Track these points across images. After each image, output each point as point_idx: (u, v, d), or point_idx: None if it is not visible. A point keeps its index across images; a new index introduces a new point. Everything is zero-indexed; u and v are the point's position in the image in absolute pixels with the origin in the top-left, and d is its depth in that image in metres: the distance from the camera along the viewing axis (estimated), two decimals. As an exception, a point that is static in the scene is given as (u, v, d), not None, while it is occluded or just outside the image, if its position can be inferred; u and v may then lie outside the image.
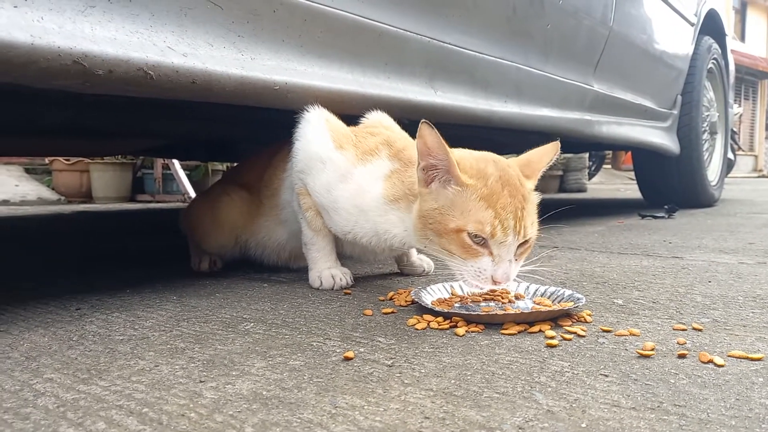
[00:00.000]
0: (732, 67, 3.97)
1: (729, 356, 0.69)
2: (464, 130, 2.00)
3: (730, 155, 4.23)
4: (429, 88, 1.55)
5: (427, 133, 0.86)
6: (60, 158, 4.26)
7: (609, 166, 9.77)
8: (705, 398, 0.57)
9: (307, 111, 1.13)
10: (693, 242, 1.78)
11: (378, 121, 1.19)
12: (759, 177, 12.71)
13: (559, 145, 0.97)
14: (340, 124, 1.14)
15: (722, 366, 0.66)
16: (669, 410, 0.54)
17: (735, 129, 8.39)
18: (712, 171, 3.63)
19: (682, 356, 0.69)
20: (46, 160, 4.47)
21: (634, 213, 2.83)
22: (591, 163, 7.18)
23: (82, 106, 1.52)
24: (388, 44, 1.39)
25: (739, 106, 9.90)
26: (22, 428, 0.52)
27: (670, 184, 3.26)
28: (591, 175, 7.37)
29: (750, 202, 3.81)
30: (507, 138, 2.67)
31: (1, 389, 0.61)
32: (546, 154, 0.96)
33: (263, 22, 1.11)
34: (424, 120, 0.86)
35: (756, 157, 14.83)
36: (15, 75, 0.82)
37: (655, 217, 2.64)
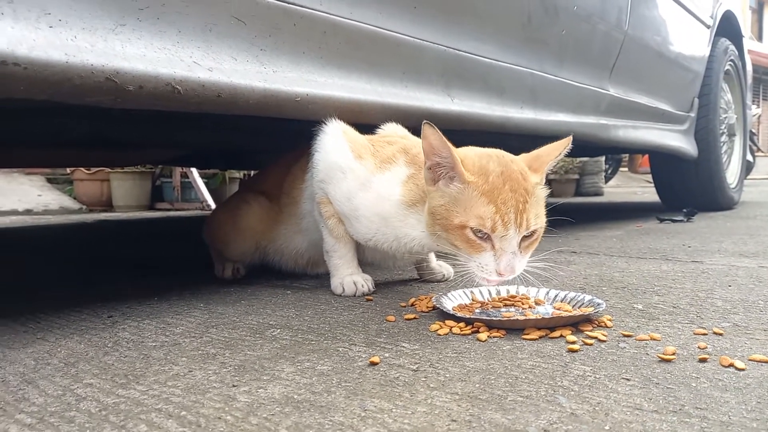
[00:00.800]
0: (750, 69, 3.93)
1: (750, 360, 0.70)
2: (481, 137, 2.02)
3: (749, 157, 4.19)
4: (446, 96, 1.57)
5: (430, 133, 0.90)
6: (81, 168, 4.34)
7: (626, 169, 9.70)
8: (726, 401, 0.58)
9: (326, 124, 1.16)
10: (712, 246, 1.77)
11: (394, 131, 1.22)
12: (779, 178, 12.50)
13: (571, 140, 0.99)
14: (357, 135, 1.17)
15: (743, 370, 0.67)
16: (691, 413, 0.55)
17: (754, 130, 8.29)
18: (731, 173, 3.60)
19: (703, 360, 0.70)
20: (68, 170, 4.56)
21: (653, 217, 2.82)
22: (607, 166, 7.14)
23: (110, 119, 1.57)
24: (405, 54, 1.41)
25: (758, 106, 9.78)
26: (69, 430, 0.54)
27: (689, 187, 3.25)
28: (607, 179, 7.33)
29: (770, 205, 3.77)
30: (523, 144, 2.69)
31: (45, 394, 0.64)
32: (556, 148, 0.98)
33: (284, 36, 1.14)
34: (426, 121, 0.90)
35: (776, 158, 14.59)
36: (50, 92, 0.86)
37: (674, 221, 2.63)
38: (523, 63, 1.82)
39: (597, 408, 0.57)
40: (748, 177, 8.34)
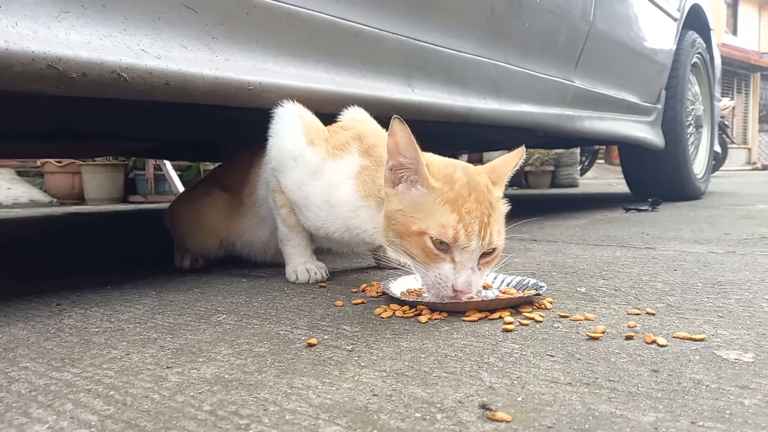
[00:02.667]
0: (718, 62, 4.00)
1: (674, 337, 0.73)
2: (450, 128, 2.04)
3: (718, 148, 4.27)
4: (406, 86, 1.58)
5: (399, 129, 0.84)
6: (52, 160, 4.29)
7: (603, 161, 9.82)
8: (639, 374, 0.60)
9: (281, 106, 1.16)
10: (670, 234, 1.82)
11: (352, 117, 1.21)
12: (752, 170, 12.78)
13: (524, 151, 0.96)
14: (313, 119, 1.16)
15: (665, 346, 0.69)
16: (602, 385, 0.57)
17: (727, 122, 8.43)
18: (698, 164, 3.67)
19: (629, 338, 0.73)
20: (38, 163, 4.49)
21: (620, 207, 2.87)
22: (584, 158, 7.22)
23: (69, 110, 1.55)
24: (365, 44, 1.42)
25: (731, 99, 9.95)
26: (-6, 411, 0.55)
27: (656, 178, 3.31)
28: (584, 171, 7.42)
29: (737, 195, 3.85)
30: (493, 135, 2.72)
31: (-23, 377, 0.65)
32: (511, 161, 0.94)
33: (237, 24, 1.14)
34: (396, 116, 0.85)
35: (749, 150, 14.90)
36: (-8, 79, 0.86)
37: (639, 210, 2.68)
38: (487, 54, 1.84)
39: (515, 381, 0.59)
40: (721, 168, 8.51)
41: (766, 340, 0.71)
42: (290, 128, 1.13)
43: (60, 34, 0.89)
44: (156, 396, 0.58)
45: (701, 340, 0.71)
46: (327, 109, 1.32)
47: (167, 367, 0.66)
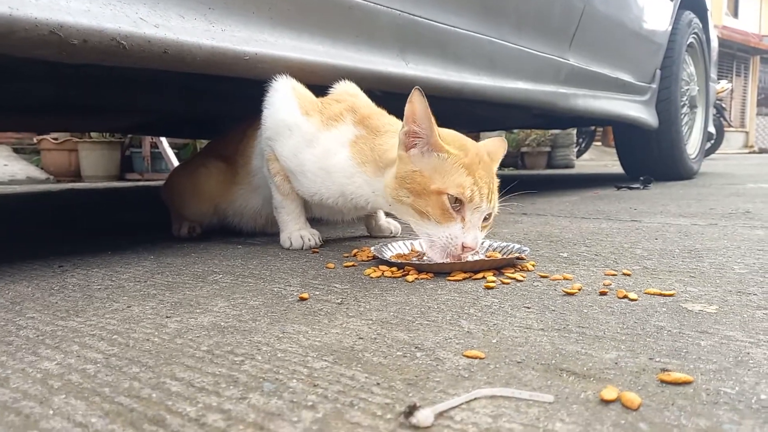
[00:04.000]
0: (715, 43, 4.01)
1: (645, 293, 0.77)
2: (444, 104, 2.06)
3: (712, 129, 4.30)
4: (400, 60, 1.60)
5: (417, 100, 0.91)
6: (48, 137, 4.30)
7: (600, 143, 9.84)
8: (607, 322, 0.64)
9: (275, 80, 1.19)
10: (657, 208, 1.86)
11: (344, 90, 1.25)
12: (749, 153, 12.81)
13: (505, 141, 1.06)
14: (306, 92, 1.20)
15: (635, 300, 0.74)
16: (572, 330, 0.62)
17: (725, 105, 8.43)
18: (692, 144, 3.70)
19: (603, 293, 0.77)
20: (35, 140, 4.50)
21: (613, 185, 2.91)
22: (581, 140, 7.25)
23: (65, 81, 1.58)
24: (359, 17, 1.44)
25: (729, 81, 9.93)
26: (5, 350, 0.59)
27: (650, 157, 3.34)
28: (581, 152, 7.45)
29: (730, 175, 3.89)
30: (489, 112, 2.74)
31: (-13, 324, 0.69)
32: (499, 149, 1.04)
33: (234, -5, 1.16)
34: (416, 87, 0.91)
35: (747, 133, 14.91)
36: (-5, 44, 0.88)
37: (631, 188, 2.72)
38: (481, 30, 1.86)
39: (491, 328, 0.63)
40: (718, 151, 8.54)
41: (731, 295, 0.75)
42: (285, 100, 1.17)
43: (61, 1, 0.92)
44: (156, 339, 0.62)
45: (670, 295, 0.76)
46: (322, 82, 1.34)
47: (167, 317, 0.70)
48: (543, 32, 2.18)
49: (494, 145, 1.04)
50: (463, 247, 0.90)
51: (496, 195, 0.96)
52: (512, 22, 1.99)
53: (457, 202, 0.90)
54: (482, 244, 1.09)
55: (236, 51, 1.16)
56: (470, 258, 1.02)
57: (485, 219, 0.94)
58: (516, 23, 2.01)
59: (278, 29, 1.26)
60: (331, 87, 1.31)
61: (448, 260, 0.92)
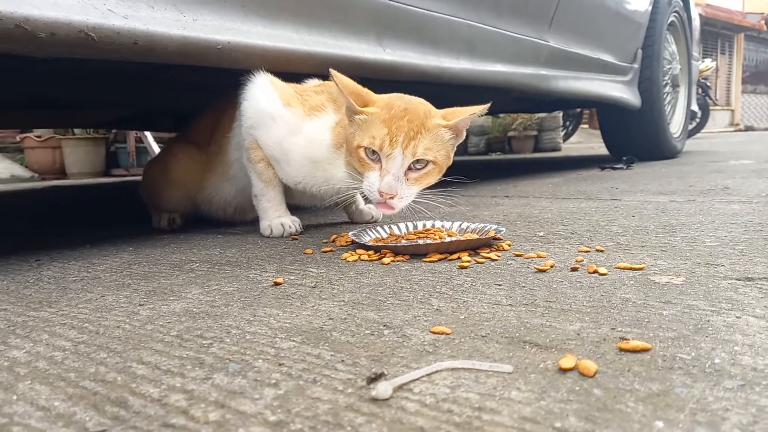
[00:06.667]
0: (696, 21, 4.02)
1: (615, 268, 0.78)
2: (423, 89, 2.06)
3: (695, 107, 4.32)
4: (377, 46, 1.60)
5: (338, 79, 1.00)
6: (31, 135, 4.25)
7: (587, 126, 9.86)
8: (574, 296, 0.65)
9: (253, 75, 1.20)
10: (638, 187, 1.87)
11: (321, 82, 1.26)
12: (735, 131, 12.89)
13: (488, 105, 1.04)
14: (284, 85, 1.21)
15: (605, 275, 0.75)
16: (539, 305, 0.63)
17: (710, 84, 8.46)
18: (675, 123, 3.72)
19: (574, 269, 0.78)
20: (18, 138, 4.45)
21: (597, 166, 2.92)
22: (568, 123, 7.26)
23: (51, 79, 1.57)
24: (335, 3, 1.44)
25: (714, 60, 9.97)
26: (-25, 343, 0.59)
27: (633, 137, 3.36)
28: (568, 135, 7.46)
29: (713, 153, 3.92)
30: (468, 96, 2.74)
31: (-41, 319, 0.68)
32: (473, 108, 1.04)
33: (204, -16, 1.15)
34: (331, 69, 0.99)
35: (732, 111, 14.99)
36: (-41, 39, 0.87)
37: (614, 168, 2.73)
38: (460, 14, 1.86)
39: (461, 305, 0.64)
40: (704, 130, 8.58)
41: (699, 267, 0.76)
42: (265, 92, 1.17)
43: (25, -6, 0.91)
44: (127, 326, 0.62)
45: (640, 269, 0.77)
46: (298, 69, 1.34)
47: (139, 305, 0.70)
48: (522, 14, 2.18)
49: (463, 107, 1.06)
50: (380, 193, 0.95)
51: (426, 144, 0.96)
52: (490, 5, 1.99)
53: (375, 154, 0.96)
54: (460, 225, 1.10)
55: (209, 40, 1.15)
56: (401, 214, 1.03)
57: (416, 169, 0.97)
58: (494, 5, 2.01)
59: (251, 17, 1.26)
60: (308, 76, 1.31)
61: (385, 211, 0.99)
